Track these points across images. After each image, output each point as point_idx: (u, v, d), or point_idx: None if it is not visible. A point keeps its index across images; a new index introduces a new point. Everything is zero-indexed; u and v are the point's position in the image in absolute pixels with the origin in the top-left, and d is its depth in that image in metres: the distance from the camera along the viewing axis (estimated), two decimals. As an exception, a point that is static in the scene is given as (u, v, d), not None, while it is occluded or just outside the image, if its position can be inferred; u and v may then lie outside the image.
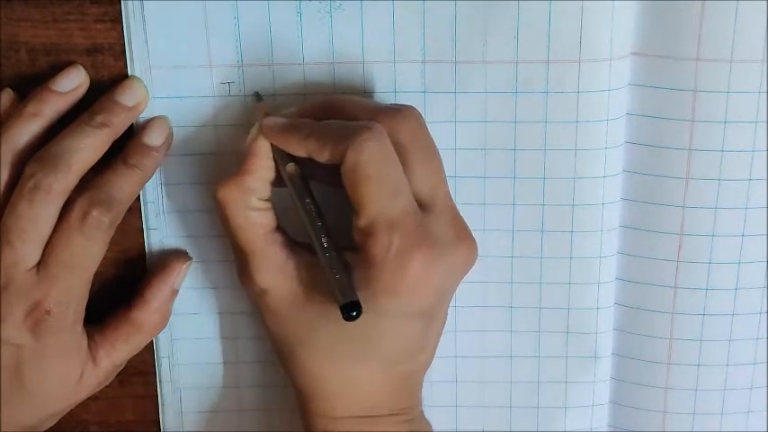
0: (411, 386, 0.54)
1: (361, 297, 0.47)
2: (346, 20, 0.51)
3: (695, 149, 0.53)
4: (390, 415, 0.53)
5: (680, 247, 0.55)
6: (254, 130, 0.50)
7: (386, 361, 0.51)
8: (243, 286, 0.52)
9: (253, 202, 0.50)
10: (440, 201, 0.49)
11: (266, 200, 0.50)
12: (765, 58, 0.51)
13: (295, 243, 0.51)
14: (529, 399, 0.59)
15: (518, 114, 0.53)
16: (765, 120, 0.52)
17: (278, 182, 0.50)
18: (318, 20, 0.51)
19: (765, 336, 0.56)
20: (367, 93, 0.52)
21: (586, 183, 0.54)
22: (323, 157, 0.48)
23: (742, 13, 0.50)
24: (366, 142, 0.47)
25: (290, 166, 0.50)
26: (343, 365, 0.51)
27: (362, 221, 0.47)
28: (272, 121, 0.50)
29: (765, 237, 0.54)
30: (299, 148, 0.49)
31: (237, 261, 0.52)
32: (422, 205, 0.49)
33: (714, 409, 0.58)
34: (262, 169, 0.50)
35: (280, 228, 0.51)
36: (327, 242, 0.49)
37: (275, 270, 0.50)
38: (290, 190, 0.50)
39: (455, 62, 0.52)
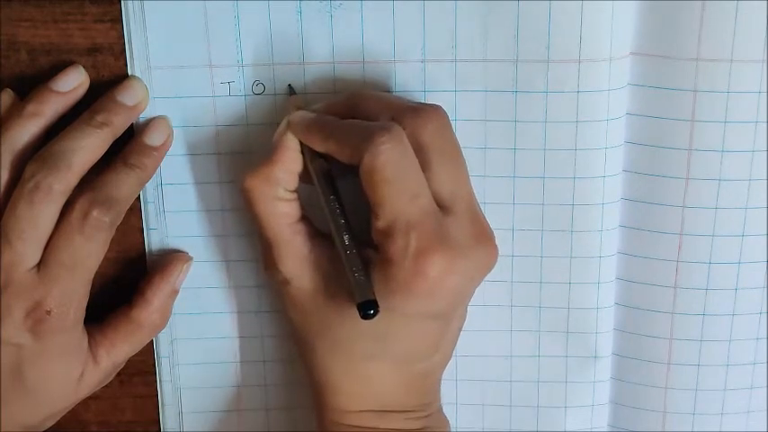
0: (426, 385, 0.54)
1: (379, 295, 0.47)
2: (346, 19, 0.51)
3: (695, 149, 0.53)
4: (403, 411, 0.53)
5: (680, 247, 0.55)
6: (283, 123, 0.50)
7: (400, 360, 0.51)
8: (267, 276, 0.53)
9: (279, 193, 0.50)
10: (461, 202, 0.49)
11: (292, 191, 0.50)
12: (765, 58, 0.51)
13: (320, 234, 0.51)
14: (529, 398, 0.59)
15: (518, 114, 0.53)
16: (765, 120, 0.52)
17: (305, 177, 0.50)
18: (318, 19, 0.51)
19: (765, 336, 0.56)
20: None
21: (586, 183, 0.54)
22: (342, 157, 0.48)
23: (742, 13, 0.50)
24: (382, 145, 0.46)
25: (317, 162, 0.50)
26: (357, 362, 0.51)
27: (381, 223, 0.47)
28: (298, 116, 0.50)
29: (765, 237, 0.54)
30: (320, 146, 0.49)
31: (262, 250, 0.52)
32: (442, 207, 0.49)
33: (714, 409, 0.58)
34: (289, 161, 0.50)
35: (305, 218, 0.51)
36: (349, 240, 0.49)
37: (299, 260, 0.50)
38: (315, 185, 0.50)
39: (455, 61, 0.52)
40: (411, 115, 0.48)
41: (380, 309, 0.47)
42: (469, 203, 0.50)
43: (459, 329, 0.53)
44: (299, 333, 0.53)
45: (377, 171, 0.47)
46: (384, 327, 0.49)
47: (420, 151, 0.48)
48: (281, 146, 0.50)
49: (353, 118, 0.50)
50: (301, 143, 0.50)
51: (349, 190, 0.50)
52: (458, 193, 0.49)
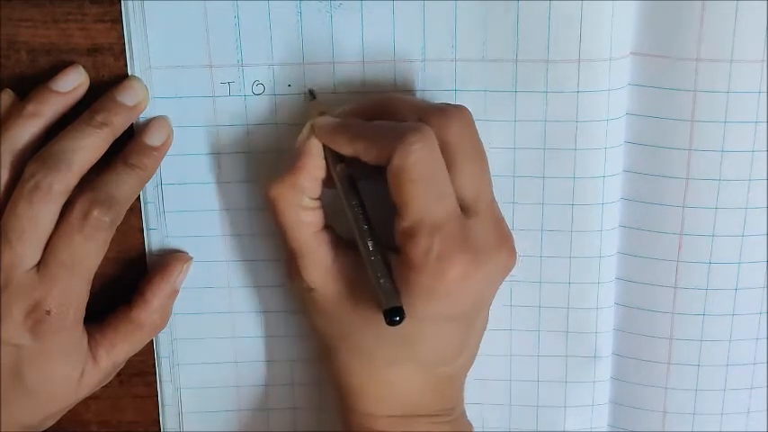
0: (450, 388, 0.54)
1: (401, 299, 0.47)
2: (346, 19, 0.51)
3: (695, 149, 0.53)
4: (429, 416, 0.53)
5: (680, 247, 0.55)
6: (306, 129, 0.50)
7: (424, 363, 0.51)
8: (290, 283, 0.53)
9: (304, 201, 0.50)
10: (483, 205, 0.49)
11: (316, 199, 0.50)
12: (765, 58, 0.51)
13: (343, 242, 0.51)
14: (529, 398, 0.59)
15: (518, 114, 0.53)
16: (765, 120, 0.52)
17: (328, 182, 0.50)
18: (318, 19, 0.51)
19: (765, 336, 0.56)
20: (367, 91, 0.52)
21: (586, 183, 0.54)
22: (370, 157, 0.48)
23: (742, 13, 0.50)
24: (413, 145, 0.46)
25: (341, 167, 0.50)
26: (382, 366, 0.51)
27: (405, 223, 0.47)
28: (322, 120, 0.50)
29: (765, 237, 0.54)
30: (347, 148, 0.49)
31: (287, 259, 0.52)
32: (465, 208, 0.49)
33: (714, 409, 0.58)
34: (313, 168, 0.50)
35: (329, 226, 0.51)
36: (373, 246, 0.48)
37: (323, 269, 0.51)
38: (338, 190, 0.50)
39: (455, 61, 0.52)
40: (437, 116, 0.48)
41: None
42: (491, 206, 0.50)
43: (482, 332, 0.53)
44: (323, 339, 0.53)
45: (406, 171, 0.46)
46: (407, 331, 0.49)
47: (445, 152, 0.48)
48: (306, 152, 0.50)
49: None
50: (324, 149, 0.50)
51: (370, 195, 0.50)
52: (481, 194, 0.49)
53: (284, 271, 0.54)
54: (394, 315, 0.47)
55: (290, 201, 0.49)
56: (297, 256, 0.50)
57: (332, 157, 0.50)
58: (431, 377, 0.52)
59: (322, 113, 0.51)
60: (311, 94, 0.52)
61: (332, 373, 0.53)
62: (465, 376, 0.55)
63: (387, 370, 0.51)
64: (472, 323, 0.51)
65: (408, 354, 0.51)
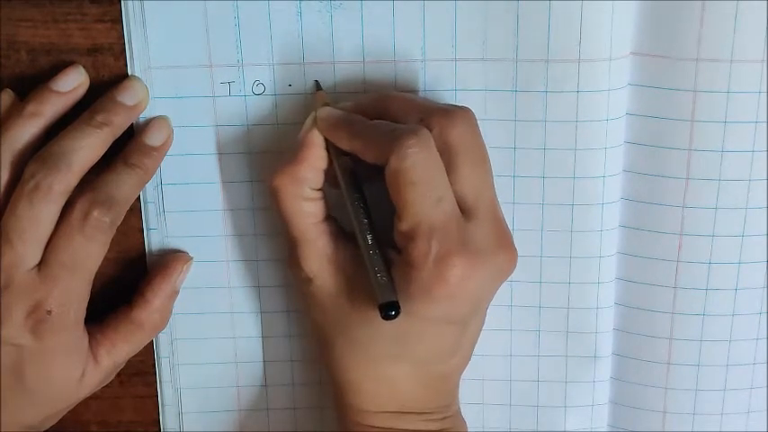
0: (444, 387, 0.54)
1: (399, 298, 0.47)
2: (346, 19, 0.51)
3: (695, 149, 0.53)
4: (423, 413, 0.53)
5: (680, 247, 0.55)
6: (309, 120, 0.50)
7: (419, 362, 0.51)
8: (290, 274, 0.53)
9: (306, 192, 0.50)
10: (483, 207, 0.49)
11: (318, 189, 0.50)
12: (765, 58, 0.51)
13: (345, 235, 0.52)
14: (529, 398, 0.59)
15: (518, 113, 0.53)
16: (765, 120, 0.52)
17: (330, 178, 0.50)
18: (318, 19, 0.51)
19: (765, 336, 0.56)
20: (367, 92, 0.52)
21: (586, 182, 0.54)
22: (368, 157, 0.48)
23: (742, 13, 0.50)
24: (410, 149, 0.46)
25: (343, 160, 0.50)
26: (377, 363, 0.51)
27: (404, 226, 0.47)
28: (325, 112, 0.50)
29: (765, 237, 0.54)
30: (346, 144, 0.49)
31: (288, 248, 0.52)
32: (465, 210, 0.49)
33: (714, 409, 0.58)
34: (314, 158, 0.50)
35: (331, 218, 0.51)
36: (372, 240, 0.49)
37: (322, 259, 0.51)
38: (340, 182, 0.50)
39: (455, 61, 0.52)
40: (440, 116, 0.48)
41: (401, 311, 0.47)
42: (492, 207, 0.50)
43: (479, 332, 0.53)
44: (320, 332, 0.53)
45: (402, 174, 0.46)
46: (403, 329, 0.49)
47: (447, 152, 0.48)
48: (307, 143, 0.50)
49: (381, 118, 0.50)
50: (327, 141, 0.50)
51: (373, 189, 0.50)
52: (481, 196, 0.49)
53: (285, 260, 0.54)
54: (389, 310, 0.47)
55: (292, 192, 0.49)
56: (297, 244, 0.51)
57: (335, 149, 0.50)
58: (425, 375, 0.52)
59: (326, 104, 0.51)
60: (317, 85, 0.52)
61: (329, 369, 0.54)
62: (460, 375, 0.55)
63: (381, 366, 0.51)
64: (468, 324, 0.52)
65: (404, 351, 0.51)
